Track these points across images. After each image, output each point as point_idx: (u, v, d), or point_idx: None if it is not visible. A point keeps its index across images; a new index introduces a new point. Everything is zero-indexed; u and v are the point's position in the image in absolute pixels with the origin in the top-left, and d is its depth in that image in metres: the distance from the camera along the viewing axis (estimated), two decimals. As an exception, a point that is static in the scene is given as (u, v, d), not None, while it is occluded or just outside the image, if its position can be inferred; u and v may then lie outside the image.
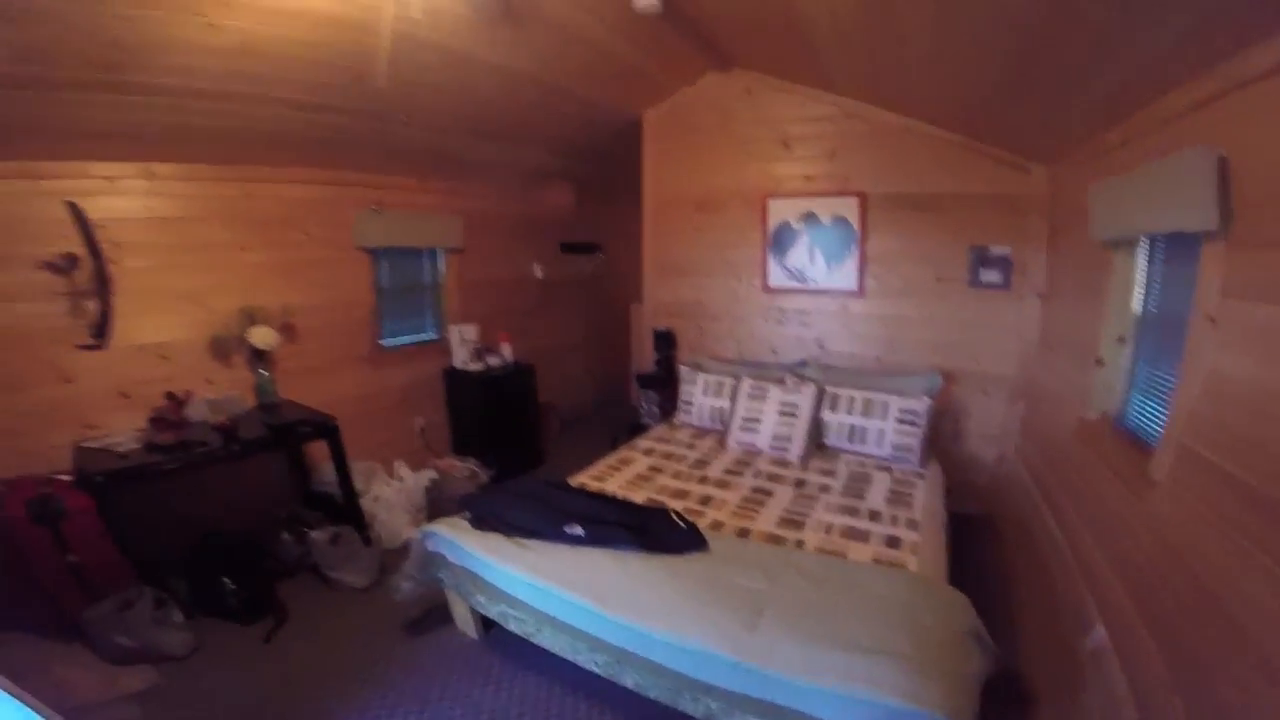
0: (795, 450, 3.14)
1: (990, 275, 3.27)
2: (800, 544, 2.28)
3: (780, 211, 3.80)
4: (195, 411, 2.83)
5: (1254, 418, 1.26)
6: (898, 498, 2.68)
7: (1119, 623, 1.63)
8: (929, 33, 2.15)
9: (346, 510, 3.05)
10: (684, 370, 3.82)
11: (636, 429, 4.00)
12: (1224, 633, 1.20)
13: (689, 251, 4.17)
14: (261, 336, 3.02)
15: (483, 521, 2.30)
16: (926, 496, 2.70)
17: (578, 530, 2.16)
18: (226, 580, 2.56)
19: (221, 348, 3.04)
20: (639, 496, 2.68)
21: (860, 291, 3.63)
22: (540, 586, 2.00)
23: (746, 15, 2.82)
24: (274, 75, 2.49)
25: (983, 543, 3.13)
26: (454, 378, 4.11)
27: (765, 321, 3.97)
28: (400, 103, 2.95)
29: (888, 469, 3.00)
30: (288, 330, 3.22)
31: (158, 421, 2.61)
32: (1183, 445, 1.52)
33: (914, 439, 3.05)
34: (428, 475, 3.51)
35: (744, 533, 2.38)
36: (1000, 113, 2.67)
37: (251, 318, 3.03)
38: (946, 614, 1.76)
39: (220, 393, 3.02)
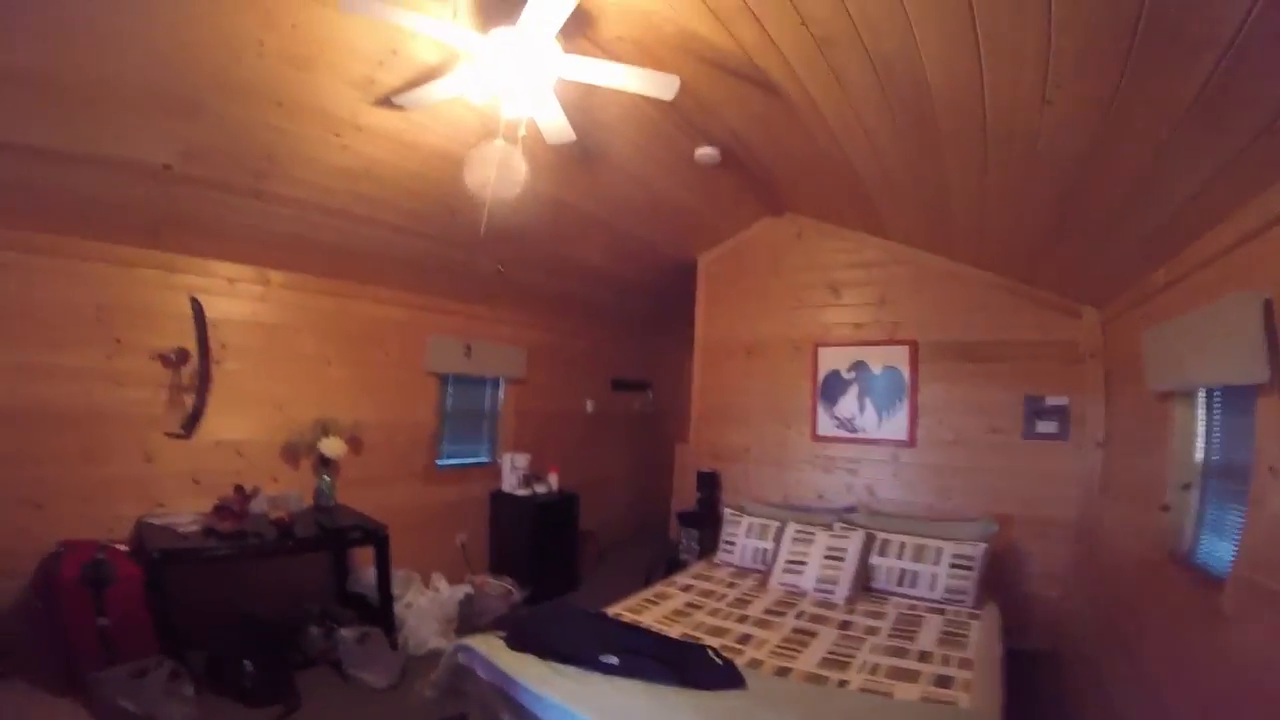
0: (841, 592, 2.96)
1: (1047, 426, 3.24)
2: (843, 684, 2.12)
3: (830, 360, 3.91)
4: (258, 505, 2.96)
5: None
6: (950, 639, 2.49)
7: None
8: (975, 182, 2.38)
9: (380, 613, 3.03)
10: (728, 512, 3.75)
11: (674, 565, 3.87)
12: None
13: (738, 397, 4.27)
14: (331, 447, 3.24)
15: (518, 642, 2.25)
16: (982, 636, 2.51)
17: (612, 660, 2.09)
18: (246, 662, 2.52)
19: (292, 452, 3.26)
20: (675, 632, 2.56)
21: (911, 442, 3.60)
22: (572, 712, 1.89)
23: (799, 165, 3.16)
24: (384, 199, 2.91)
25: (1045, 679, 2.91)
26: (500, 500, 4.18)
27: (813, 469, 3.93)
28: (488, 236, 3.25)
29: (940, 611, 2.81)
30: (354, 443, 3.43)
31: (221, 510, 2.75)
32: (1252, 581, 1.46)
33: (968, 582, 2.88)
34: (463, 590, 3.48)
35: (783, 671, 2.23)
36: (1046, 255, 2.82)
37: (325, 428, 3.27)
38: None
39: (282, 490, 3.17)
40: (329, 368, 3.47)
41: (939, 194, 2.71)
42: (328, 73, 2.15)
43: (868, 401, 3.77)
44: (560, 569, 4.19)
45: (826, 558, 3.11)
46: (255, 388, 3.17)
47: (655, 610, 2.81)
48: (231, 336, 3.07)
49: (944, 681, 2.11)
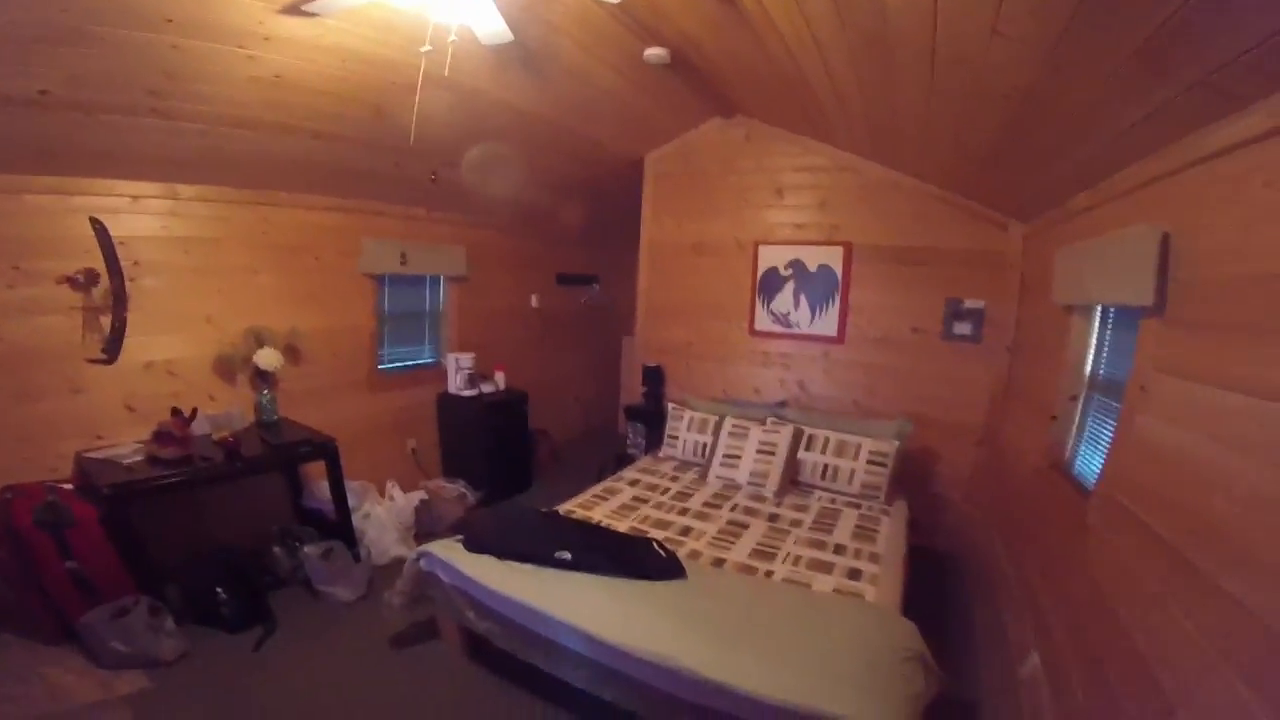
0: (771, 486, 3.29)
1: (963, 328, 3.49)
2: (770, 574, 2.44)
3: (770, 258, 4.02)
4: (199, 427, 2.93)
5: (1171, 480, 1.44)
6: (863, 533, 2.84)
7: (1052, 652, 1.79)
8: (921, 105, 2.36)
9: (338, 527, 3.14)
10: (671, 407, 3.98)
11: (623, 459, 4.14)
12: (1132, 668, 1.35)
13: (682, 293, 4.37)
14: (267, 359, 3.14)
15: (476, 544, 2.42)
16: (890, 532, 2.86)
17: (566, 556, 2.30)
18: (220, 590, 2.64)
19: (227, 367, 3.16)
20: (623, 526, 2.81)
21: (841, 339, 3.83)
22: (530, 607, 2.11)
23: (751, 71, 3.04)
24: (302, 105, 2.66)
25: (946, 576, 3.34)
26: (448, 402, 4.24)
27: (750, 364, 4.16)
28: (417, 137, 3.06)
29: (857, 506, 3.17)
30: (292, 353, 3.35)
31: (162, 436, 2.71)
32: (1112, 498, 1.70)
33: (882, 479, 3.23)
34: (418, 496, 3.62)
35: (719, 562, 2.53)
36: (985, 172, 2.90)
37: (259, 339, 3.16)
38: (895, 641, 1.90)
39: (221, 409, 3.14)
40: (257, 276, 3.29)
41: (887, 111, 2.69)
42: None
43: (802, 298, 3.94)
44: (513, 469, 4.38)
45: (759, 452, 3.40)
46: (179, 302, 3.00)
47: (604, 506, 3.07)
48: (143, 253, 2.85)
49: (854, 574, 2.45)
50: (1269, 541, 1.05)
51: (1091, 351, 2.39)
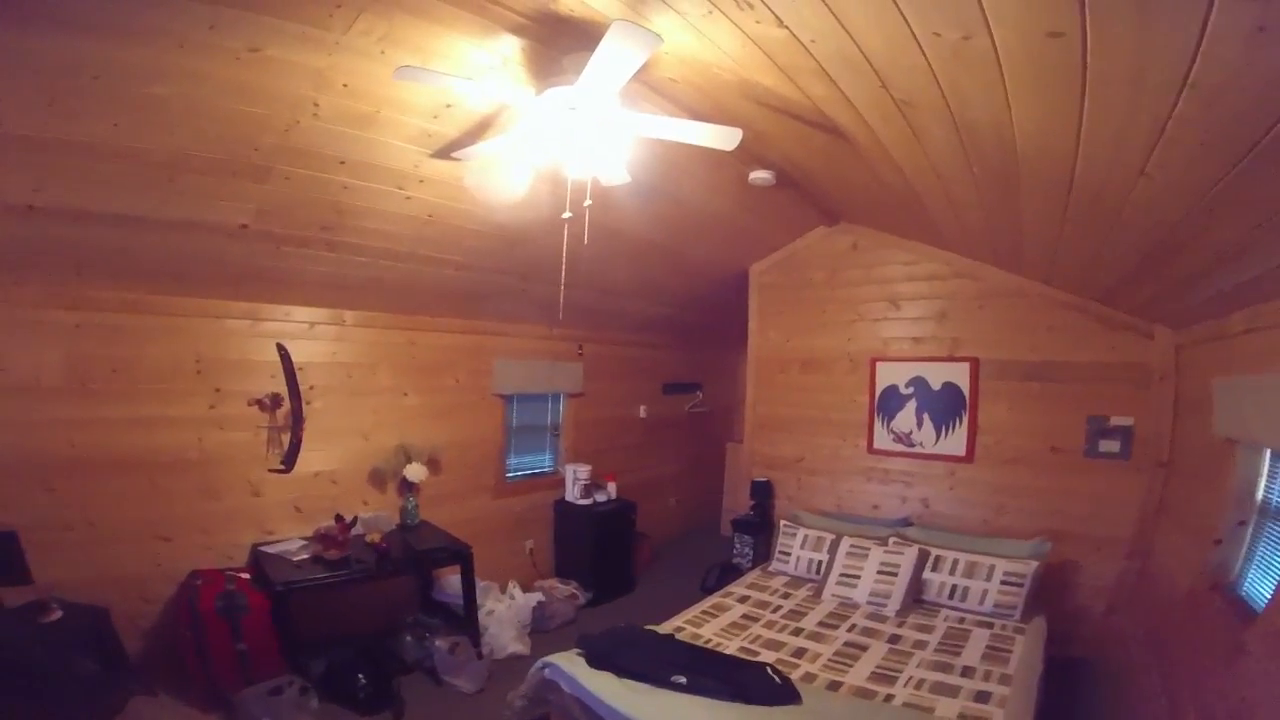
0: (893, 606, 3.10)
1: (1109, 445, 3.22)
2: (890, 698, 2.30)
3: (889, 375, 3.91)
4: (356, 529, 3.28)
5: None
6: (994, 654, 2.62)
7: None
8: (1052, 229, 2.36)
9: (464, 621, 3.34)
10: (783, 524, 3.89)
11: (729, 569, 4.07)
12: None
13: (791, 409, 4.33)
14: (414, 472, 3.54)
15: (596, 660, 2.49)
16: (1024, 652, 2.63)
17: (681, 680, 2.31)
18: (360, 676, 2.85)
19: (379, 477, 3.57)
20: (733, 645, 2.76)
21: (969, 458, 3.63)
22: None
23: (859, 189, 3.15)
24: (446, 240, 3.10)
25: (1084, 687, 3.02)
26: (564, 509, 4.45)
27: (867, 480, 4.00)
28: (548, 265, 3.39)
29: (988, 625, 2.92)
30: (433, 464, 3.72)
31: (326, 538, 3.07)
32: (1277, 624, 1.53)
33: (1018, 598, 2.98)
34: (535, 596, 3.77)
35: (835, 685, 2.42)
36: (1125, 286, 2.77)
37: (406, 454, 3.57)
38: None
39: (372, 512, 3.50)
40: (405, 398, 3.75)
41: (1012, 230, 2.70)
42: (386, 129, 2.28)
43: (925, 417, 3.79)
44: (617, 572, 4.45)
45: (880, 572, 3.23)
46: (341, 422, 3.47)
47: (715, 623, 3.02)
48: (317, 378, 3.36)
49: (982, 697, 2.26)
50: None
51: (1263, 480, 2.15)
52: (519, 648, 3.41)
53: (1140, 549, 3.09)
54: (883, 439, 3.93)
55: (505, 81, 2.11)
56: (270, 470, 3.22)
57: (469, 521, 3.85)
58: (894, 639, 2.82)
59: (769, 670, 2.40)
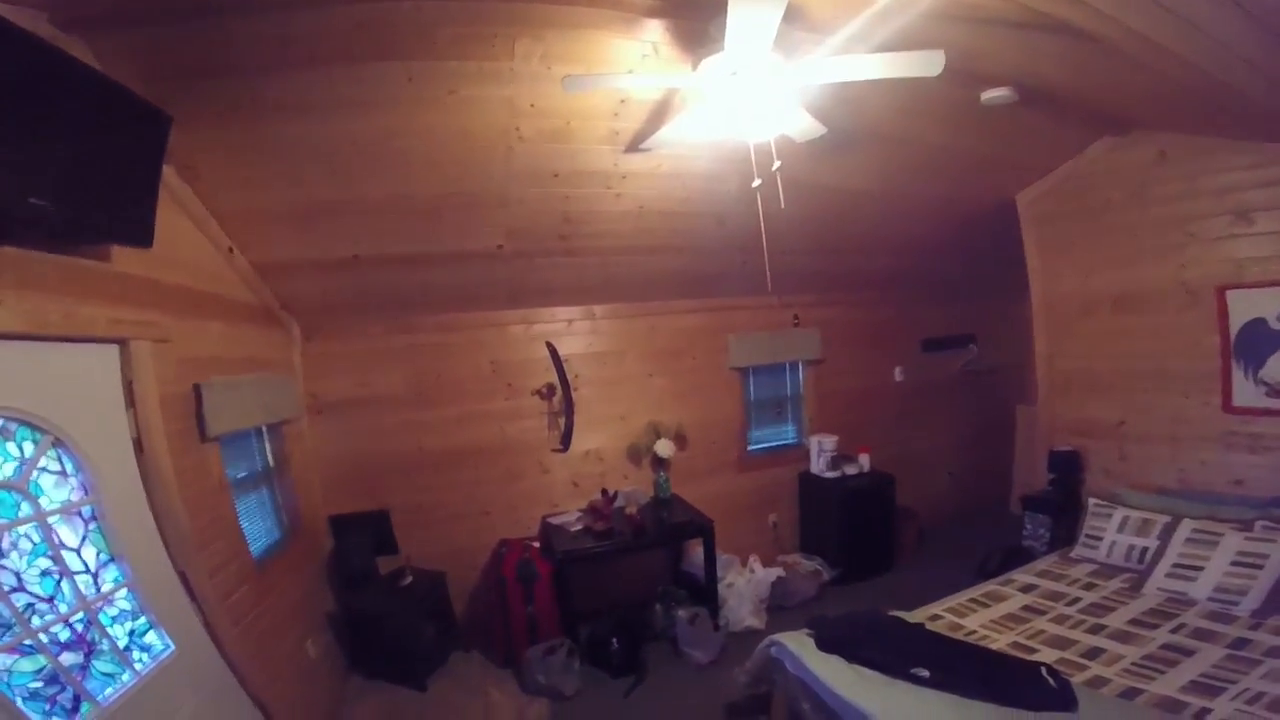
0: (1248, 606, 2.31)
1: None
2: (1206, 712, 1.77)
3: (1248, 306, 2.88)
4: (617, 502, 3.75)
5: None
6: None
7: None
8: None
9: (706, 594, 3.54)
10: (1094, 503, 3.18)
11: (1016, 553, 3.46)
12: None
13: (1105, 360, 3.49)
14: (663, 448, 3.87)
15: (826, 644, 2.39)
16: None
17: (924, 673, 2.09)
18: (614, 640, 3.24)
19: (635, 454, 4.00)
20: (1003, 641, 2.38)
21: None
22: (869, 716, 1.97)
23: (1134, 89, 2.44)
24: (661, 227, 3.28)
25: None
26: (809, 482, 4.33)
27: (1226, 448, 2.99)
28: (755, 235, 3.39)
29: None
30: (680, 441, 4.00)
31: (593, 511, 3.58)
32: None
33: None
34: (775, 572, 3.78)
35: (1132, 693, 1.94)
36: None
37: (656, 432, 3.92)
38: None
39: (632, 486, 3.94)
40: (651, 379, 4.10)
41: None
42: (579, 137, 2.52)
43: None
44: (874, 550, 4.16)
45: (1235, 564, 2.44)
46: (602, 406, 3.97)
47: (983, 614, 2.65)
48: (579, 368, 3.90)
49: None
50: None
51: None
52: (754, 622, 3.49)
53: None
54: (1246, 393, 2.88)
55: (662, 65, 2.16)
56: (552, 450, 3.87)
57: (714, 496, 4.05)
58: (1238, 644, 2.13)
59: (1044, 671, 2.01)
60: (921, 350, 4.98)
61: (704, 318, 4.23)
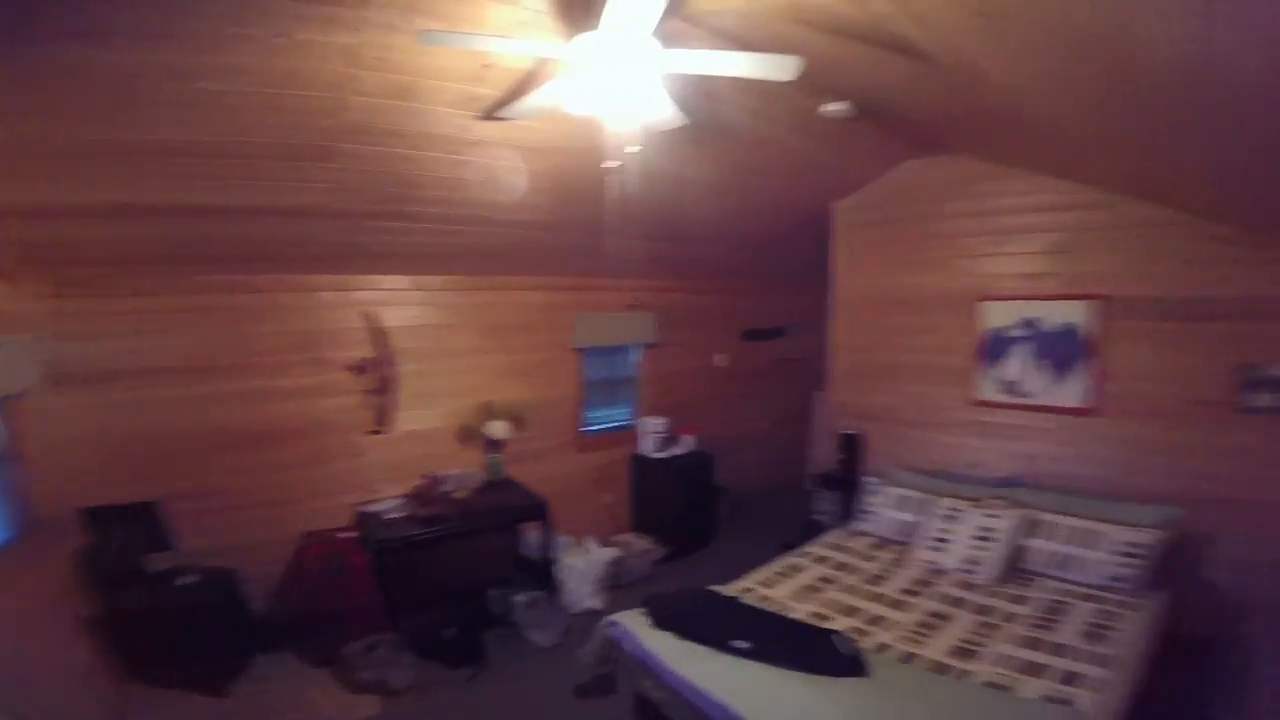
0: (986, 574, 2.86)
1: (1264, 399, 2.71)
2: (967, 674, 2.17)
3: (995, 316, 3.50)
4: (444, 486, 3.51)
5: None
6: (1096, 632, 2.36)
7: None
8: (1192, 141, 1.97)
9: (544, 576, 3.52)
10: (869, 481, 3.69)
11: (811, 527, 3.93)
12: None
13: (884, 353, 4.02)
14: (497, 428, 3.70)
15: (660, 622, 2.51)
16: (1132, 631, 2.35)
17: (743, 645, 2.28)
18: (448, 630, 3.11)
19: (465, 435, 3.77)
20: (805, 609, 2.69)
21: (1091, 409, 3.20)
22: (701, 690, 2.13)
23: (952, 117, 2.79)
24: (511, 200, 3.07)
25: (1214, 667, 2.73)
26: (640, 463, 4.49)
27: (969, 434, 3.65)
28: (604, 216, 3.35)
29: (1094, 599, 2.62)
30: (516, 422, 3.85)
31: (417, 496, 3.33)
32: None
33: (1135, 570, 2.64)
34: (612, 552, 3.88)
35: (909, 658, 2.30)
36: None
37: (490, 412, 3.72)
38: None
39: (461, 469, 3.71)
40: (488, 356, 3.89)
41: (1140, 148, 2.27)
42: (428, 97, 2.26)
43: (1038, 363, 3.38)
44: (696, 527, 4.47)
45: (975, 537, 2.99)
46: (430, 383, 3.67)
47: (787, 584, 2.94)
48: (404, 341, 3.54)
49: (1071, 678, 2.07)
50: None
51: None
52: (594, 602, 3.56)
53: None
54: (988, 387, 3.57)
55: (537, 34, 1.99)
56: (369, 432, 3.49)
57: (551, 478, 4.01)
58: (983, 610, 2.62)
59: (836, 637, 2.32)
60: (742, 339, 5.39)
61: (547, 295, 4.11)
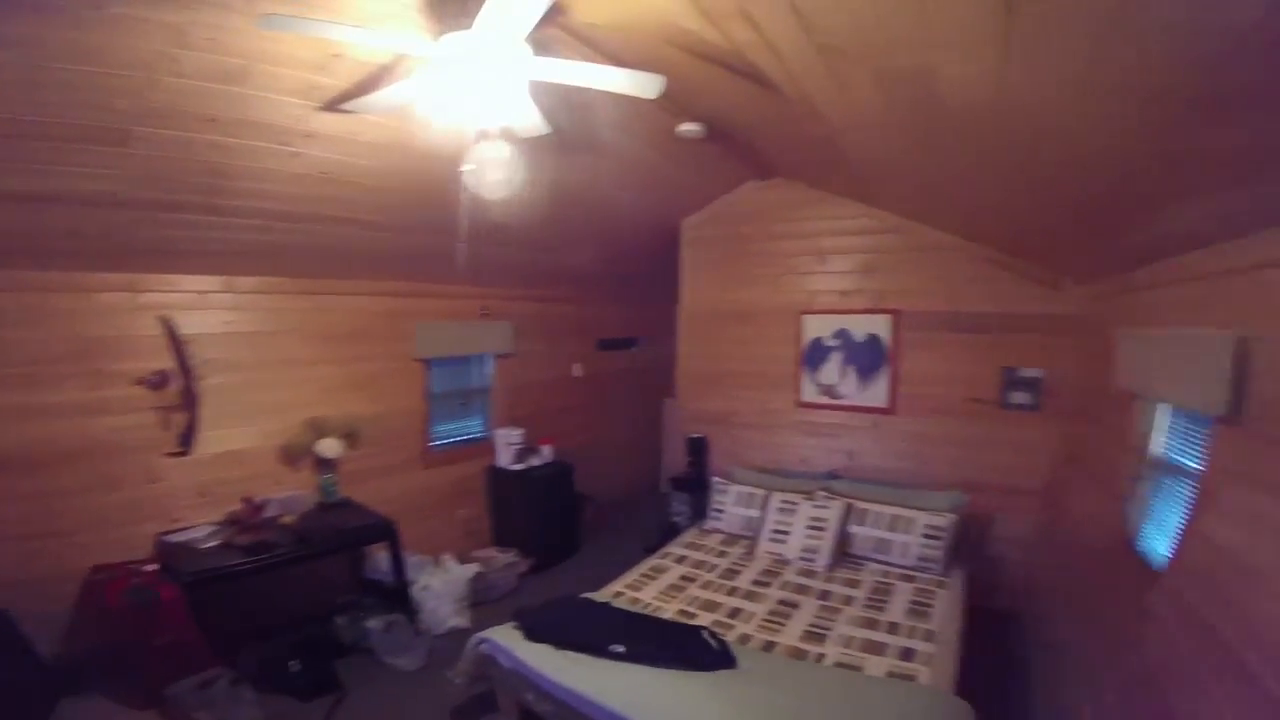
0: (822, 561, 3.21)
1: (1020, 396, 3.37)
2: (822, 657, 2.40)
3: (814, 328, 3.97)
4: (269, 511, 3.08)
5: (1237, 584, 1.41)
6: (918, 609, 2.76)
7: None
8: (975, 176, 2.34)
9: (399, 599, 3.26)
10: (716, 481, 3.93)
11: (670, 529, 4.10)
12: None
13: (724, 362, 4.33)
14: (328, 447, 3.31)
15: (534, 633, 2.47)
16: (946, 607, 2.77)
17: (620, 649, 2.32)
18: (293, 662, 2.77)
19: (291, 454, 3.33)
20: (672, 608, 2.80)
21: (891, 409, 3.75)
22: (586, 697, 2.13)
23: (789, 144, 3.08)
24: (349, 198, 2.83)
25: (1006, 635, 3.25)
26: (498, 475, 4.33)
27: (797, 433, 4.08)
28: (457, 220, 3.20)
29: (911, 579, 3.06)
30: (350, 438, 3.49)
31: (236, 523, 2.87)
32: (1178, 588, 1.67)
33: (938, 551, 3.12)
34: (473, 568, 3.69)
35: (770, 646, 2.50)
36: (1038, 234, 2.82)
37: (319, 430, 3.33)
38: None
39: (287, 492, 3.28)
40: (316, 368, 3.48)
41: (935, 183, 2.69)
42: (263, 83, 2.02)
43: (850, 369, 3.87)
44: (561, 537, 4.42)
45: (809, 527, 3.33)
46: (244, 397, 3.19)
47: (653, 585, 3.05)
48: (212, 349, 3.04)
49: (908, 654, 2.38)
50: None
51: (1158, 435, 2.27)
52: (459, 621, 3.37)
53: (1052, 501, 3.30)
54: (810, 391, 4.01)
55: (403, 28, 1.86)
56: (167, 454, 2.95)
57: (396, 496, 3.72)
58: (824, 595, 2.92)
59: (705, 634, 2.44)
60: (598, 348, 5.46)
61: (388, 301, 3.80)
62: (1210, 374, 1.61)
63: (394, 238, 3.31)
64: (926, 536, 3.14)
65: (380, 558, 3.40)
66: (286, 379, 3.35)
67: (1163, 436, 2.24)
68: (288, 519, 3.04)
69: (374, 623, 3.05)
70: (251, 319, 3.22)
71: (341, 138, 2.42)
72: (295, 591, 3.27)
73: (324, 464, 3.39)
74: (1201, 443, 1.85)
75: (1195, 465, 1.88)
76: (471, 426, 4.49)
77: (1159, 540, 2.06)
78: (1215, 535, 1.56)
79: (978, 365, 3.48)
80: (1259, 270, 1.52)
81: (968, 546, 3.36)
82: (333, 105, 2.19)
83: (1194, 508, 1.74)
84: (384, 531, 3.22)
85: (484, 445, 4.42)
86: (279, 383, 3.32)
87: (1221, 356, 1.56)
